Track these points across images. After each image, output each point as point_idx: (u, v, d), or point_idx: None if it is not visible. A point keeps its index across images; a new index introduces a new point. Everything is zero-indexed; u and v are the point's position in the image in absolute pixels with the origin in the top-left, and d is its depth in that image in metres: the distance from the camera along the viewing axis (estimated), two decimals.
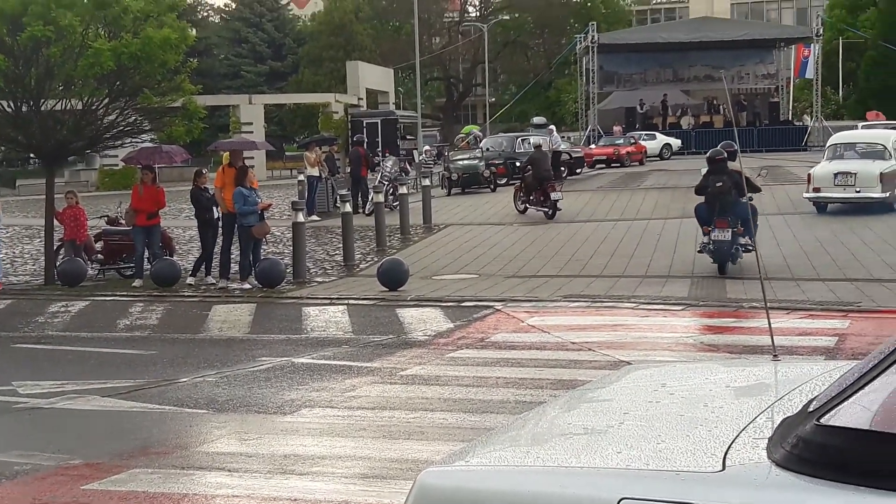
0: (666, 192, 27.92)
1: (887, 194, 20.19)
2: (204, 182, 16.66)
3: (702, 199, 15.21)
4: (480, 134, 37.95)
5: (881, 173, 20.22)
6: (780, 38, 54.26)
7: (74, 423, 8.36)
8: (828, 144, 22.97)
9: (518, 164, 30.72)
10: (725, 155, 15.66)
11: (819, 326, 10.98)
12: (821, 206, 20.99)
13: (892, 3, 61.45)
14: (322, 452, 7.18)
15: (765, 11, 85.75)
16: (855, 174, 20.42)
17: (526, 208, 23.28)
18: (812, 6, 78.98)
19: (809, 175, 21.51)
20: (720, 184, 14.64)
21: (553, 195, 22.21)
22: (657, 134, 46.87)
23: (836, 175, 20.64)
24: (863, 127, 35.25)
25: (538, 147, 24.83)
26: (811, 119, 50.68)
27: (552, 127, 35.06)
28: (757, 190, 15.58)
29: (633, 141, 43.12)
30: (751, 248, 14.58)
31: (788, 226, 19.15)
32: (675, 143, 46.54)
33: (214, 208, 16.30)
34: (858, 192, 20.29)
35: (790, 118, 54.86)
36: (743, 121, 49.41)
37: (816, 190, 20.83)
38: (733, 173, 14.85)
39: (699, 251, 15.12)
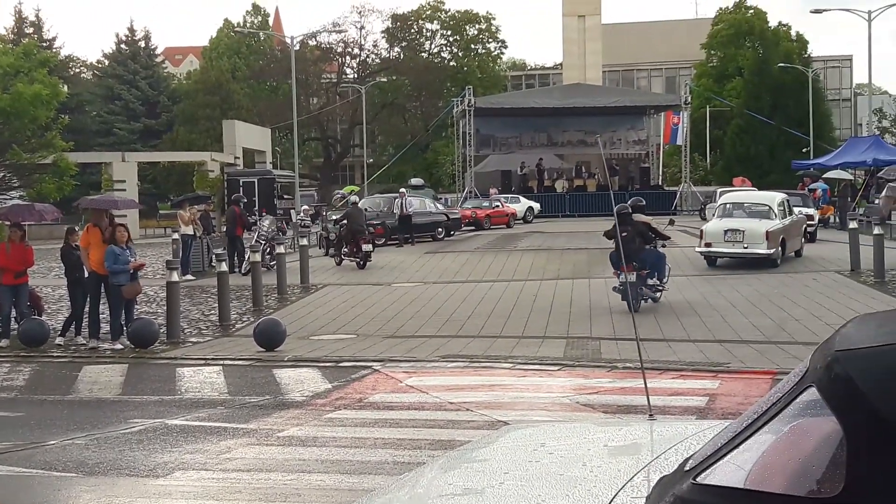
0: (541, 253, 28.38)
1: (772, 251, 21.99)
2: (75, 240, 16.27)
3: (612, 245, 17.40)
4: (356, 197, 38.04)
5: (767, 231, 22.02)
6: (650, 106, 56.16)
7: None
8: (718, 203, 25.14)
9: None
10: (629, 209, 17.35)
11: (690, 386, 11.25)
12: (711, 260, 22.88)
13: (756, 73, 64.24)
14: None
15: (635, 79, 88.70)
16: (743, 231, 22.27)
17: (341, 259, 26.26)
18: (680, 75, 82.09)
19: (702, 231, 23.25)
20: (625, 234, 16.12)
21: (364, 247, 25.16)
22: (521, 197, 47.65)
23: (726, 232, 22.50)
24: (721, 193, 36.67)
25: (354, 204, 27.81)
26: (683, 184, 52.34)
27: (403, 190, 35.49)
28: (665, 238, 17.94)
29: (496, 205, 43.68)
30: (660, 288, 17.21)
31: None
32: (536, 206, 47.55)
33: (84, 267, 15.94)
34: (746, 247, 22.13)
35: (660, 183, 56.56)
36: (615, 185, 50.72)
37: (708, 245, 22.66)
38: (638, 224, 17.09)
39: (614, 289, 17.15)
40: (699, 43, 78.63)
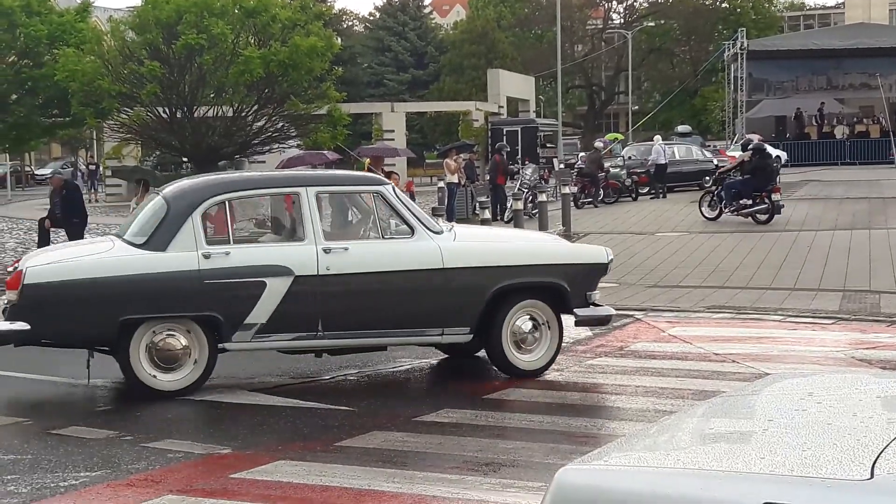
0: (817, 202, 27.13)
1: None
2: None
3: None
4: (601, 143, 37.53)
5: None
6: None
7: (222, 415, 8.60)
8: None
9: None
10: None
11: None
12: None
13: None
14: (458, 452, 7.22)
15: None
16: None
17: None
18: None
19: None
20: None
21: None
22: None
23: None
24: None
25: (596, 150, 28.10)
26: None
27: (657, 137, 34.40)
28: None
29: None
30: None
31: None
32: (783, 154, 44.70)
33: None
34: None
35: None
36: None
37: None
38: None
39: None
40: None
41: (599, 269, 9.87)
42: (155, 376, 8.85)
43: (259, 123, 17.40)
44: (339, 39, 30.76)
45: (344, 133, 17.53)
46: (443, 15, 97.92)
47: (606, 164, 31.84)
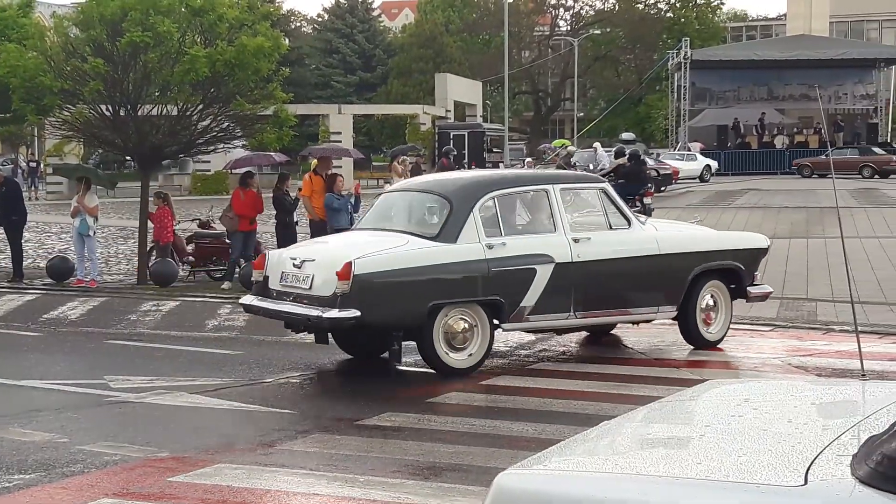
0: (757, 211, 27.50)
1: None
2: (287, 186, 16.92)
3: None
4: (574, 148, 37.78)
5: None
6: (880, 59, 53.07)
7: (162, 418, 8.55)
8: None
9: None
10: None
11: None
12: None
13: None
14: (400, 456, 7.23)
15: (865, 30, 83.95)
16: None
17: None
18: None
19: None
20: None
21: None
22: (698, 155, 45.84)
23: None
24: None
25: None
26: None
27: (596, 145, 34.81)
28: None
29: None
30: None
31: (884, 249, 18.72)
32: (714, 164, 45.48)
33: (294, 213, 16.64)
34: None
35: (889, 140, 53.58)
36: (839, 141, 48.48)
37: None
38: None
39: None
40: None
41: (762, 253, 11.61)
42: (449, 355, 9.68)
43: (204, 123, 17.20)
44: (287, 40, 30.67)
45: (290, 134, 17.37)
46: (391, 18, 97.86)
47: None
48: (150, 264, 17.40)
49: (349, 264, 9.26)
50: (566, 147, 41.92)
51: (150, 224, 17.57)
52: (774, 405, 3.55)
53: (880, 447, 2.59)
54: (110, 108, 16.81)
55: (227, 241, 17.39)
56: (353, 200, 15.94)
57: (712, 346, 10.95)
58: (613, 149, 31.49)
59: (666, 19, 79.14)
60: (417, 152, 32.81)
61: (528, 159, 39.41)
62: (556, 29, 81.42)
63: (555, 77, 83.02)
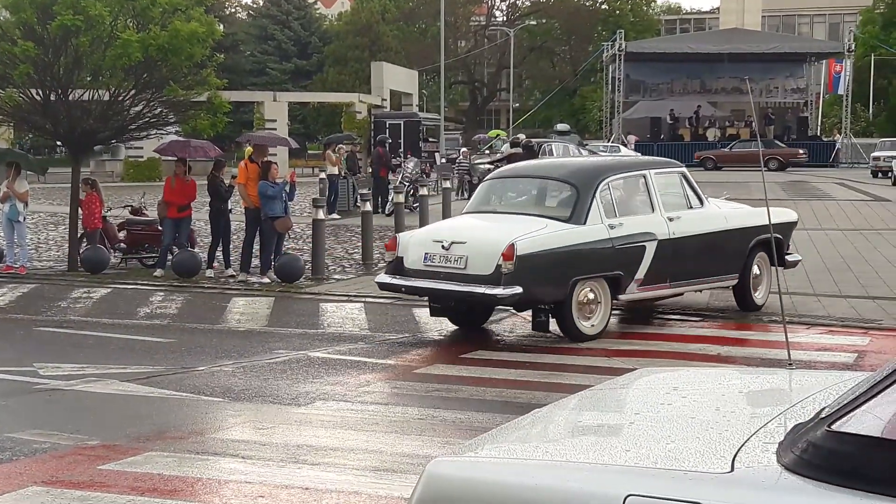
0: None
1: None
2: (222, 173, 16.75)
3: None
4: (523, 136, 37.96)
5: None
6: (811, 53, 54.05)
7: (93, 406, 8.45)
8: None
9: None
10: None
11: (839, 342, 10.93)
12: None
13: None
14: (334, 444, 7.23)
15: (796, 25, 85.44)
16: None
17: None
18: (845, 21, 78.66)
19: None
20: None
21: None
22: (622, 147, 46.31)
23: None
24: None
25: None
26: (840, 135, 50.40)
27: (521, 135, 35.01)
28: None
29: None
30: None
31: (813, 242, 19.07)
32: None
33: (229, 200, 16.48)
34: None
35: (819, 134, 54.58)
36: (770, 134, 49.32)
37: None
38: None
39: None
40: None
41: (793, 226, 13.34)
42: (582, 324, 10.89)
43: (136, 108, 16.94)
44: (222, 26, 30.34)
45: (224, 121, 17.18)
46: (327, 5, 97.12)
47: (486, 160, 32.09)
48: (81, 251, 17.13)
49: (512, 246, 10.31)
50: (498, 137, 42.14)
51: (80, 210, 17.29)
52: (703, 393, 3.61)
53: (806, 435, 2.65)
54: (41, 93, 16.49)
55: (160, 227, 17.19)
56: (287, 188, 15.83)
57: (758, 308, 12.52)
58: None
59: (601, 11, 79.75)
60: (353, 141, 32.65)
61: (464, 149, 39.44)
62: (493, 19, 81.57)
63: (491, 67, 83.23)
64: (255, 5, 78.76)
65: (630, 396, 3.73)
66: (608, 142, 49.64)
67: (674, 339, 11.25)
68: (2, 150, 20.48)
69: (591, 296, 10.94)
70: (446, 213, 22.52)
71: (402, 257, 11.16)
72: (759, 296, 12.67)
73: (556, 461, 2.89)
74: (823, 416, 2.69)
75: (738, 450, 2.76)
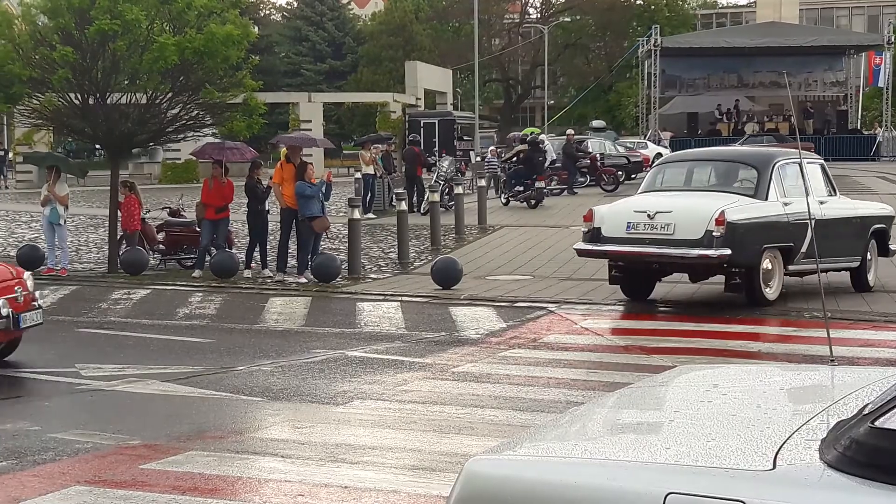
0: None
1: None
2: (259, 174, 16.84)
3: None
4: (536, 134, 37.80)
5: None
6: (849, 46, 53.28)
7: (134, 406, 8.53)
8: None
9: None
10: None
11: (883, 338, 10.82)
12: None
13: None
14: (373, 443, 7.25)
15: (834, 18, 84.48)
16: None
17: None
18: (884, 13, 77.59)
19: None
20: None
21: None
22: (649, 143, 45.77)
23: None
24: None
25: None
26: (881, 129, 49.77)
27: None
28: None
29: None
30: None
31: None
32: (666, 152, 45.45)
33: (266, 201, 16.56)
34: None
35: (859, 127, 53.89)
36: (809, 128, 48.75)
37: None
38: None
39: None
40: None
41: (893, 219, 14.60)
42: (764, 289, 12.35)
43: (173, 111, 17.09)
44: (256, 28, 30.47)
45: (260, 122, 17.29)
46: (361, 5, 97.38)
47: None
48: (121, 253, 17.29)
49: (723, 213, 11.82)
50: (534, 133, 41.90)
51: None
52: (743, 390, 3.58)
53: (848, 432, 2.62)
54: (79, 97, 16.67)
55: (198, 229, 17.32)
56: (324, 188, 15.89)
57: (870, 290, 13.58)
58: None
59: (636, 6, 79.22)
60: (387, 140, 32.68)
61: (492, 147, 39.32)
62: (526, 16, 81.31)
63: (525, 65, 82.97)
64: (289, 7, 79.12)
65: (669, 394, 3.70)
66: (643, 138, 49.33)
67: (713, 336, 11.18)
68: (42, 154, 20.72)
69: (770, 265, 12.37)
70: (482, 211, 22.52)
71: (598, 227, 12.63)
72: (871, 277, 13.87)
73: (594, 459, 2.87)
74: (867, 412, 2.66)
75: (780, 447, 2.73)
